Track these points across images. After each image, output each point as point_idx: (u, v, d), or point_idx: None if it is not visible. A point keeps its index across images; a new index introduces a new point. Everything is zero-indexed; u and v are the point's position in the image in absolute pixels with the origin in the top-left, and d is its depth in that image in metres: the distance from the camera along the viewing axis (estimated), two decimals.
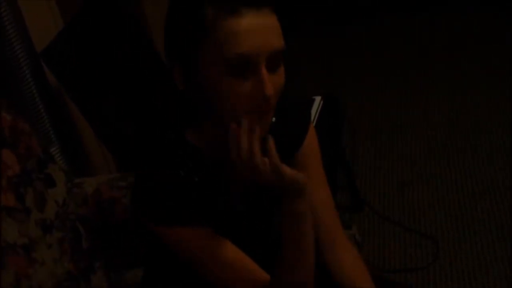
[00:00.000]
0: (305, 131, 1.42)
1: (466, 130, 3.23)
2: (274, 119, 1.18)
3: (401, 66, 3.98)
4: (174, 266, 1.26)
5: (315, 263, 1.27)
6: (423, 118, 3.41)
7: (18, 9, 2.03)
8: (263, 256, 1.30)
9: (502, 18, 4.22)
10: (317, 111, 2.39)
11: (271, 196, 1.28)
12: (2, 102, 1.58)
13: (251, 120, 1.13)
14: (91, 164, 2.42)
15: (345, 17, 4.56)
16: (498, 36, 4.05)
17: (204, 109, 1.20)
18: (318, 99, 2.44)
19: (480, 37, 4.11)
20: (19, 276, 1.41)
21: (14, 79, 1.99)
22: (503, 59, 3.76)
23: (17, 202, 1.51)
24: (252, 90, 1.11)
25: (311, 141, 1.43)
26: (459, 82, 3.67)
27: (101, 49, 2.20)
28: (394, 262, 2.52)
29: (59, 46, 2.02)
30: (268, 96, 1.10)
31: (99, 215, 1.77)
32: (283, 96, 1.18)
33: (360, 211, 2.80)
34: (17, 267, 1.42)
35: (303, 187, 1.18)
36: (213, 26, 1.09)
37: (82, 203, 1.76)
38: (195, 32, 1.11)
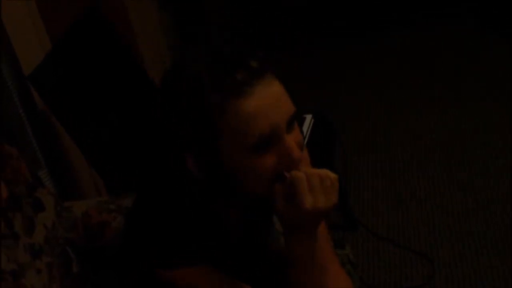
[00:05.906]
0: None
1: (461, 146, 3.22)
2: None
3: (394, 83, 3.97)
4: None
5: None
6: (416, 135, 3.39)
7: (5, 32, 2.01)
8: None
9: (495, 32, 4.24)
10: (308, 129, 2.38)
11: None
12: None
13: None
14: (80, 187, 2.39)
15: (338, 34, 4.57)
16: (491, 54, 4.07)
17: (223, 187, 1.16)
18: (309, 117, 2.43)
19: (474, 54, 4.12)
20: None
21: (2, 102, 1.98)
22: (498, 74, 3.77)
23: (6, 228, 1.49)
24: (279, 158, 1.08)
25: None
26: (454, 98, 3.67)
27: (89, 72, 2.19)
28: (390, 282, 2.50)
29: (46, 69, 2.01)
30: (298, 160, 1.09)
31: (88, 239, 1.75)
32: None
33: (354, 230, 2.78)
34: None
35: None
36: (223, 113, 1.03)
37: (71, 227, 1.74)
38: (204, 123, 1.05)
